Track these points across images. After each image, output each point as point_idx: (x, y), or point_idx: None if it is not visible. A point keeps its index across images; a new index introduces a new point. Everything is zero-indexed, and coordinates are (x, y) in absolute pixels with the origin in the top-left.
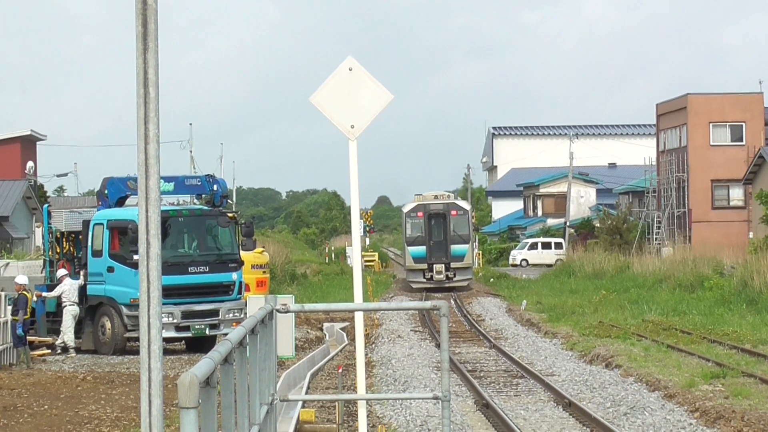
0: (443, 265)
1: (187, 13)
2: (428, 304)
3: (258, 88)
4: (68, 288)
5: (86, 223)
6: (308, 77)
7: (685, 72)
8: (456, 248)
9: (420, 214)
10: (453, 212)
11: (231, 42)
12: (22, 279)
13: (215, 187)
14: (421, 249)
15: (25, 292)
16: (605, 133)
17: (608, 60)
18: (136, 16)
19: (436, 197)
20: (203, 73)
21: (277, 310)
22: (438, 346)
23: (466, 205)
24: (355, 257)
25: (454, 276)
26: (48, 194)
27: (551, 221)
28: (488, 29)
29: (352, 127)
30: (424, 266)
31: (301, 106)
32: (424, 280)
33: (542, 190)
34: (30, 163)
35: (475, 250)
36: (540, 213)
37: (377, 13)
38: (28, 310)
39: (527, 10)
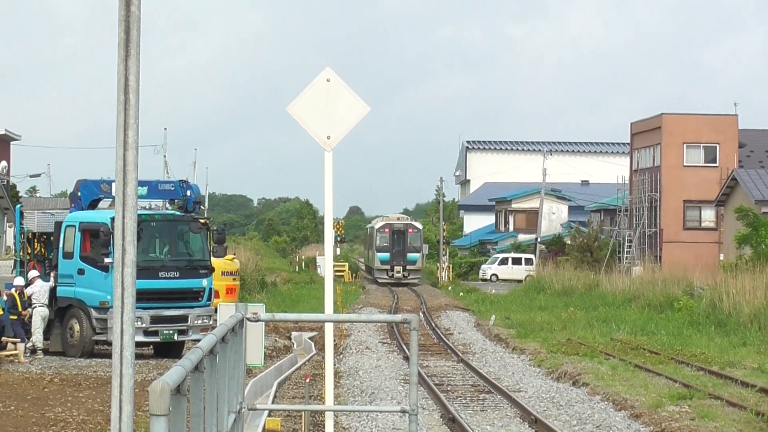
0: (401, 267)
1: (167, 17)
2: (399, 317)
3: (235, 95)
4: (39, 289)
5: (58, 225)
6: (286, 86)
7: (666, 91)
8: (411, 256)
9: (387, 230)
10: (410, 230)
11: (210, 48)
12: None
13: (188, 193)
14: (386, 255)
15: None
16: (579, 151)
17: (590, 77)
18: (118, 23)
19: (398, 219)
20: (180, 77)
21: (248, 319)
22: (405, 358)
23: (419, 225)
24: (327, 268)
25: (409, 275)
26: (20, 194)
27: (522, 237)
28: (472, 42)
29: (329, 138)
30: (388, 267)
31: (277, 114)
32: (387, 278)
33: (514, 206)
34: (3, 163)
35: (445, 263)
36: (511, 228)
37: (360, 24)
38: None
39: (513, 24)
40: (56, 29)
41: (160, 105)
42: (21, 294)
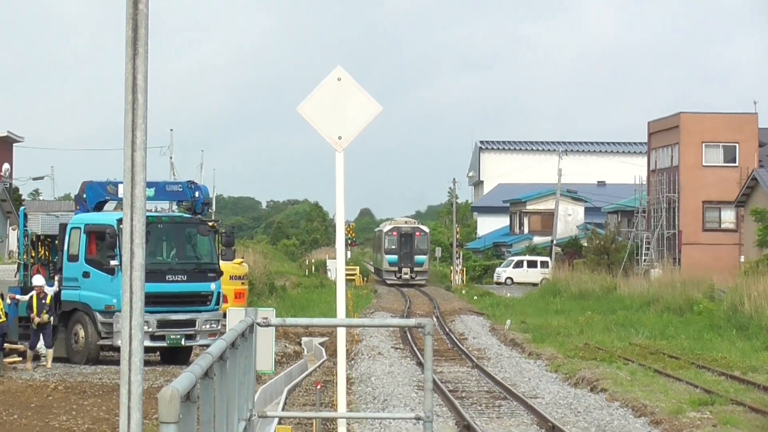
0: (409, 268)
1: (174, 17)
2: (412, 321)
3: (242, 96)
4: None
5: (63, 227)
6: (295, 87)
7: (684, 90)
8: (418, 258)
9: (395, 233)
10: (417, 233)
11: (218, 48)
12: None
13: (197, 194)
14: (394, 257)
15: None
16: (595, 150)
17: (606, 75)
18: (126, 21)
19: (406, 222)
20: (186, 77)
21: (258, 324)
22: (419, 364)
23: (426, 228)
24: (338, 271)
25: (416, 276)
26: (23, 197)
27: (538, 239)
28: (483, 42)
29: (340, 138)
30: (396, 269)
31: (285, 115)
32: (395, 278)
33: (529, 207)
34: (6, 165)
35: (459, 266)
36: (526, 230)
37: (369, 24)
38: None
39: (526, 22)
40: (60, 30)
41: (166, 105)
42: (41, 296)
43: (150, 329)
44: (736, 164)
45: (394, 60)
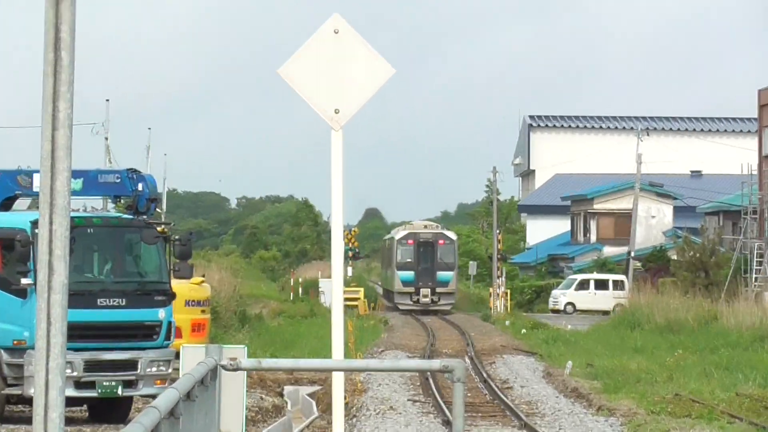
0: (429, 289)
1: None
2: (436, 363)
3: (206, 57)
4: None
5: None
6: (278, 50)
7: None
8: (442, 275)
9: (410, 241)
10: (441, 241)
11: None
12: None
13: (140, 187)
14: (409, 274)
15: None
16: (687, 129)
17: (702, 30)
18: None
19: (425, 227)
20: (131, 34)
21: (224, 367)
22: (446, 422)
23: (453, 235)
24: (335, 294)
25: (439, 300)
26: None
27: (609, 250)
28: None
29: (337, 112)
30: (412, 290)
31: (264, 82)
32: (411, 303)
33: (597, 206)
34: None
35: (501, 287)
36: (593, 238)
37: None
38: None
39: None
40: None
41: (102, 70)
42: None
43: (75, 373)
44: None
45: (416, 12)
